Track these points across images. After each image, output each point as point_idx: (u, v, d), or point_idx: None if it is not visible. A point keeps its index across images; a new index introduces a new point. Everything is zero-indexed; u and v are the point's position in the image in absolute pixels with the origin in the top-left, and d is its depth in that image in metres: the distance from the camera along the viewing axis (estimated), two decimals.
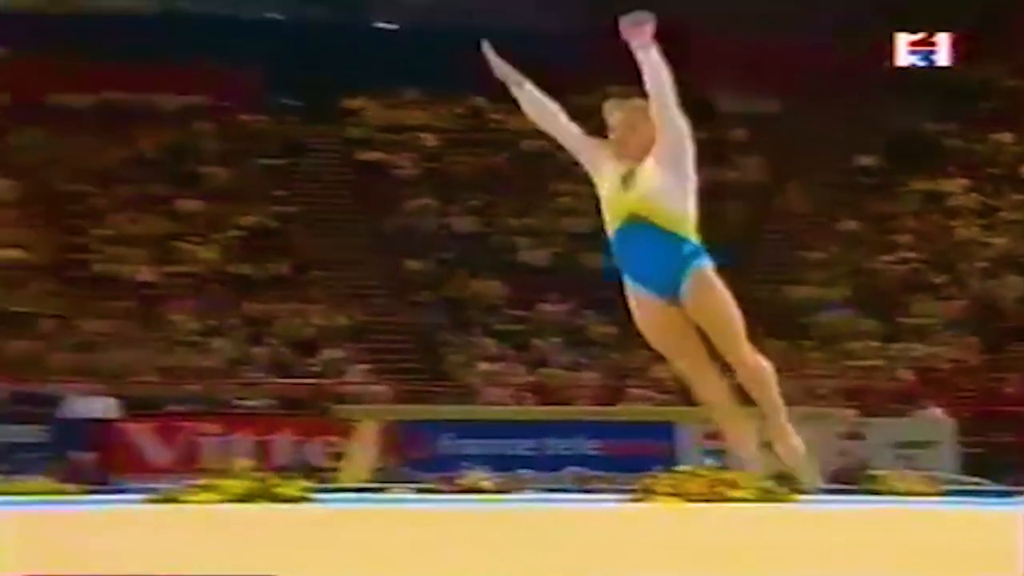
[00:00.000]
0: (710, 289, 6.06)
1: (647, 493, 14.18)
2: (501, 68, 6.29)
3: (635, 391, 21.68)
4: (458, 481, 15.63)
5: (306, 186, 25.77)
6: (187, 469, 16.74)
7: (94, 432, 18.98)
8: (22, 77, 24.86)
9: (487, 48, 6.27)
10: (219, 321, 22.78)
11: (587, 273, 22.48)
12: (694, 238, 6.09)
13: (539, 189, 25.49)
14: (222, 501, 13.02)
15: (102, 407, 19.47)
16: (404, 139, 26.66)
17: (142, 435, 19.57)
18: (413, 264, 24.51)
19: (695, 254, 6.07)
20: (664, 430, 18.70)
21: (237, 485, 13.36)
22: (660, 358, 6.61)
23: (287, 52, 25.91)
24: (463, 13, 25.65)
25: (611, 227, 6.16)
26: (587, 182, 6.38)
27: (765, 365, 6.18)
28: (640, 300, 6.16)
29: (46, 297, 22.61)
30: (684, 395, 12.76)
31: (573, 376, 22.72)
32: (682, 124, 6.07)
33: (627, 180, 6.10)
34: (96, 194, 24.54)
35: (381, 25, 28.68)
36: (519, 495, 15.48)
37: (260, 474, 13.90)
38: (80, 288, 23.01)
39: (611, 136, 6.20)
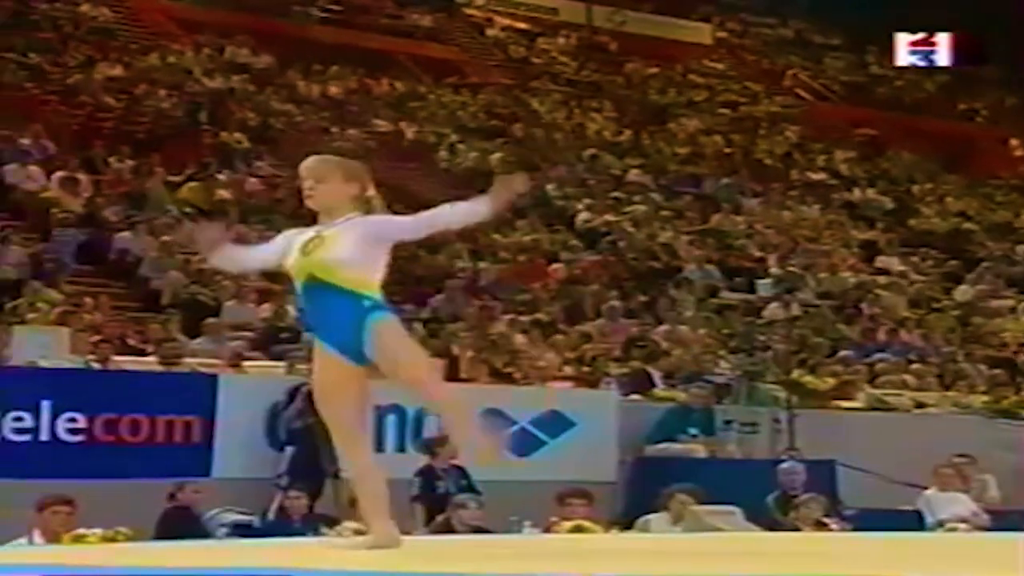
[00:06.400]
0: (389, 336, 6.14)
1: None
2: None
3: None
4: None
5: None
6: None
7: None
8: None
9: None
10: None
11: None
12: (374, 294, 6.16)
13: None
14: None
15: None
16: None
17: None
18: None
19: (373, 308, 6.13)
20: None
21: None
22: None
23: None
24: None
25: (296, 287, 6.31)
26: None
27: (460, 399, 6.50)
28: (325, 359, 6.23)
29: None
30: None
31: None
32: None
33: (308, 246, 6.20)
34: None
35: None
36: None
37: None
38: None
39: (305, 199, 6.31)
